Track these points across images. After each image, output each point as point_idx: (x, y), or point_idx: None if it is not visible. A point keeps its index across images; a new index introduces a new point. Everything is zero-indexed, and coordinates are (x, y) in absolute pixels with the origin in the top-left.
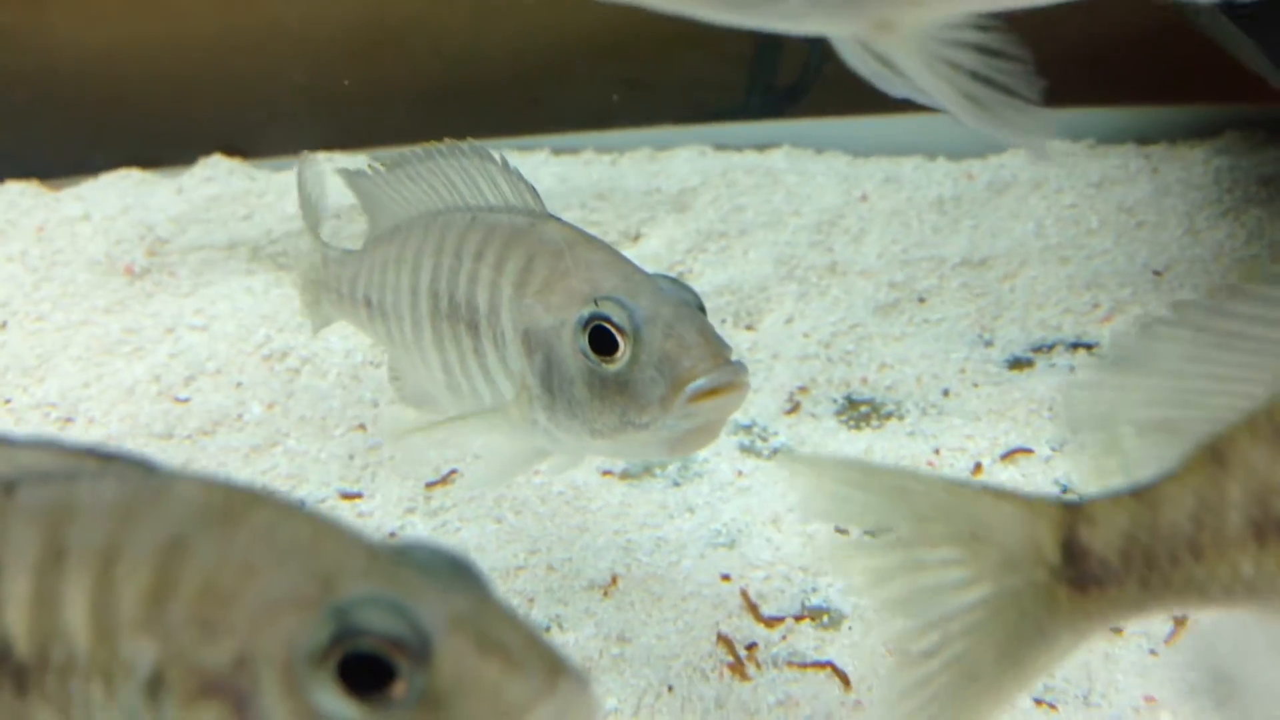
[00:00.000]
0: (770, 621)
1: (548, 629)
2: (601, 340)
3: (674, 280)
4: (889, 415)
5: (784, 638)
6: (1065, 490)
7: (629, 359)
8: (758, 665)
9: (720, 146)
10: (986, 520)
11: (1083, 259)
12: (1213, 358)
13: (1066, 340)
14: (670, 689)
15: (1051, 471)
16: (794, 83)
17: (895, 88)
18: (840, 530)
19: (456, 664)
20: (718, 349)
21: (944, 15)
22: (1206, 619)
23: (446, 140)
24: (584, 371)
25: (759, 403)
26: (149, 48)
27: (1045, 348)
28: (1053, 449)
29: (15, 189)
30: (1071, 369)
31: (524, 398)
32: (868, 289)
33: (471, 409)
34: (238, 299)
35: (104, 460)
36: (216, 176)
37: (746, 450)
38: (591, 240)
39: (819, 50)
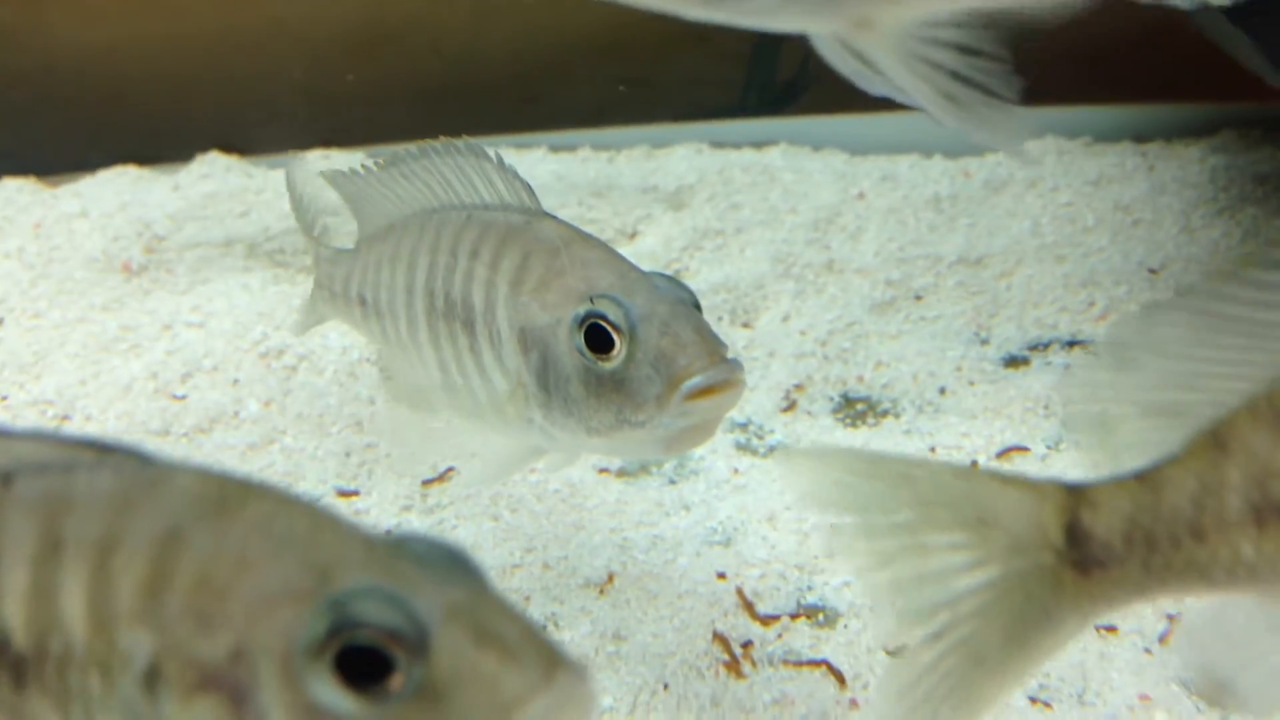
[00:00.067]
0: (766, 620)
1: (544, 627)
2: (597, 338)
3: (670, 278)
4: (885, 413)
5: (779, 636)
6: None
7: (625, 357)
8: (753, 663)
9: (717, 144)
10: (992, 505)
11: (1079, 257)
12: (1213, 342)
13: (1062, 338)
14: (666, 687)
15: (1048, 469)
16: (791, 80)
17: (874, 86)
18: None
19: (454, 656)
20: (714, 347)
21: (923, 13)
22: (1198, 614)
23: (442, 138)
24: (580, 369)
25: (755, 401)
26: (148, 46)
27: (1041, 346)
28: (1049, 447)
29: (13, 185)
30: (1067, 367)
31: (520, 396)
32: (864, 287)
33: (468, 407)
34: (235, 296)
35: (101, 452)
36: (214, 174)
37: (742, 448)
38: (587, 238)
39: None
